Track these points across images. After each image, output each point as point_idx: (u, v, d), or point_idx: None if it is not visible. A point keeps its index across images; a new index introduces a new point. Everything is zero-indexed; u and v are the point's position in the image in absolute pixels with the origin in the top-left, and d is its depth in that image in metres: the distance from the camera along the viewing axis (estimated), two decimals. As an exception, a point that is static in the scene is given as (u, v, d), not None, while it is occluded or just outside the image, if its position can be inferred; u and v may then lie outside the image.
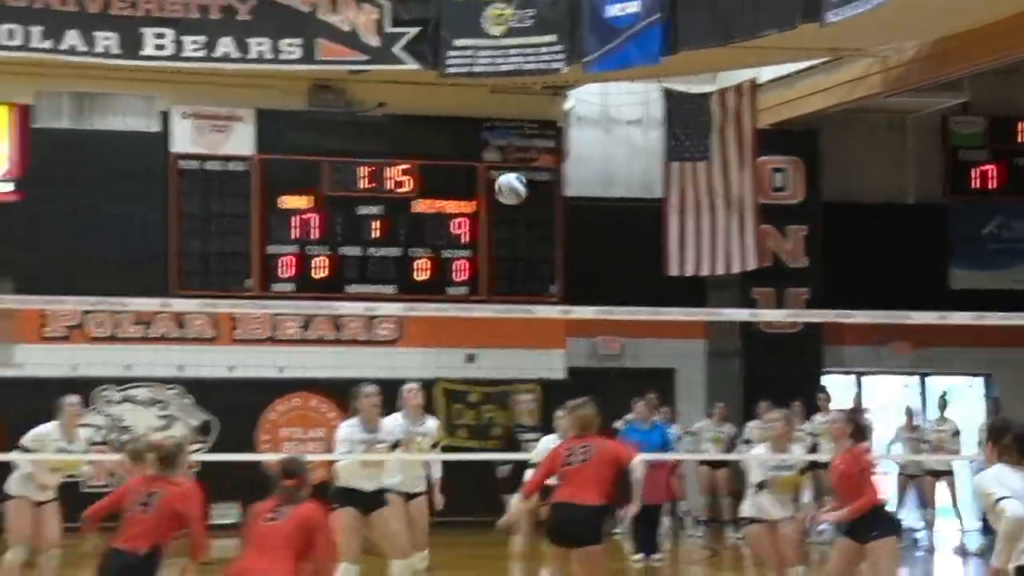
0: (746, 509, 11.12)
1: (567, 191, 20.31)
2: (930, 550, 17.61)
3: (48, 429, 11.72)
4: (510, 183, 10.78)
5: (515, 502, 9.23)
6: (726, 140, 19.04)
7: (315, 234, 19.42)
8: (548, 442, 12.25)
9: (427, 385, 19.36)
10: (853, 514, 9.77)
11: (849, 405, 18.60)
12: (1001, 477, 6.88)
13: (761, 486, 10.93)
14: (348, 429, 11.10)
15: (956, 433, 17.80)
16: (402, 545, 11.32)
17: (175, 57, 17.90)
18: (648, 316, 12.79)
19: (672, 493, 17.04)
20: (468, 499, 15.02)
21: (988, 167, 21.25)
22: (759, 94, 18.95)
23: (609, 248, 20.01)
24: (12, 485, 11.66)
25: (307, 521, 7.87)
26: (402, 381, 19.19)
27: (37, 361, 18.11)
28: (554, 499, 8.94)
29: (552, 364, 19.77)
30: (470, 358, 19.72)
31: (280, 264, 19.27)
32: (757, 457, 11.10)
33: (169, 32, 17.87)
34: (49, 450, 11.47)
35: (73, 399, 11.74)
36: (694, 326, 19.75)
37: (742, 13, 15.59)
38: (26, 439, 11.97)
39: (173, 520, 8.40)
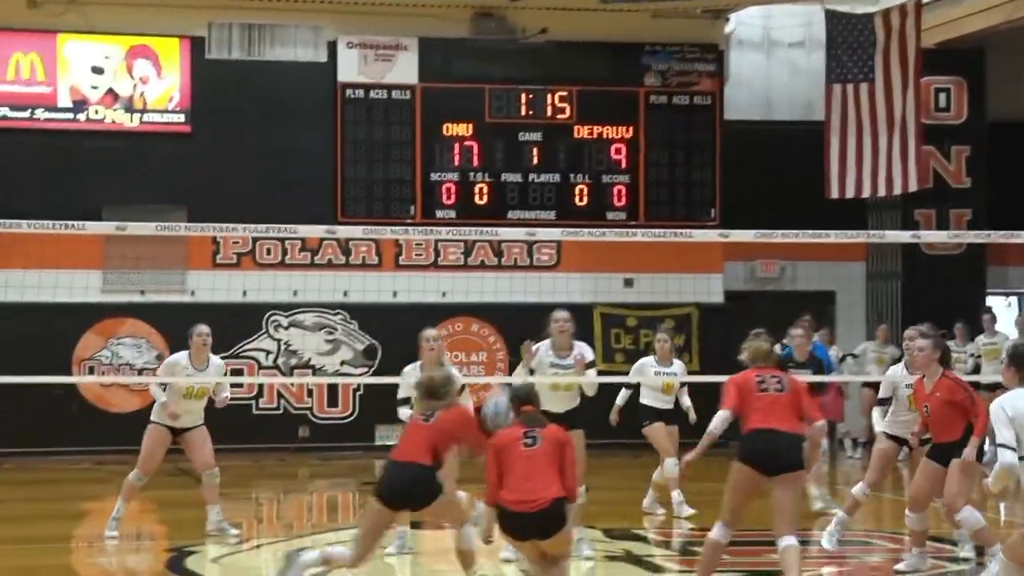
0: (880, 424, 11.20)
1: (727, 115, 20.29)
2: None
3: (177, 358, 11.88)
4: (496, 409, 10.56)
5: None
6: (889, 61, 18.82)
7: (476, 161, 19.72)
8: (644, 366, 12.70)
9: (585, 310, 19.75)
10: (977, 437, 9.76)
11: (1012, 326, 18.38)
12: (1016, 403, 7.55)
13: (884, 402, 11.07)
14: (541, 351, 11.38)
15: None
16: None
17: (340, -12, 18.23)
18: (808, 239, 12.73)
19: (832, 414, 17.09)
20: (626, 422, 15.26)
21: None
22: (924, 12, 18.67)
23: (768, 172, 19.98)
24: (152, 412, 11.98)
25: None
26: (561, 306, 19.61)
27: (209, 287, 18.75)
28: (754, 425, 8.96)
29: (710, 288, 19.90)
30: (628, 283, 19.91)
31: (442, 191, 19.62)
32: (896, 377, 11.12)
33: (338, -36, 18.20)
34: (179, 377, 11.74)
35: (203, 328, 11.88)
36: (854, 248, 19.67)
37: (905, -69, 15.38)
38: (160, 369, 12.27)
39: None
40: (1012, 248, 19.16)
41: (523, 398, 8.32)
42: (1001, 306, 20.28)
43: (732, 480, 8.76)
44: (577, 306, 19.58)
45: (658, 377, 13.36)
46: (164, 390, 11.84)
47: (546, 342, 11.59)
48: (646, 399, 13.48)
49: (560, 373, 10.89)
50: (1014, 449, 7.49)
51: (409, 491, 8.62)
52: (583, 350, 11.11)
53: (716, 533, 8.80)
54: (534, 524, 7.80)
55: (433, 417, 8.77)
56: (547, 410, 10.64)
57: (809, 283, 20.41)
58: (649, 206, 19.86)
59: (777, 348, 15.94)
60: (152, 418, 11.89)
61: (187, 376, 11.70)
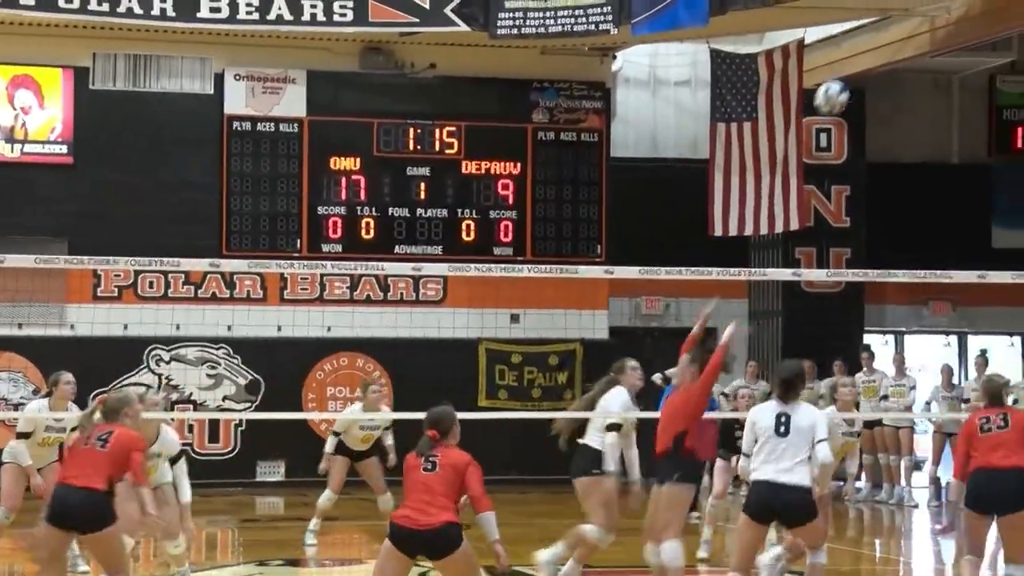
0: None
1: (614, 152, 20.48)
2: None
3: (37, 406, 11.63)
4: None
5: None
6: (772, 100, 19.11)
7: (363, 195, 19.70)
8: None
9: (470, 345, 19.77)
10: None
11: (890, 364, 18.72)
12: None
13: None
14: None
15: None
16: None
17: (230, 19, 18.13)
18: (691, 276, 12.91)
19: (711, 452, 17.22)
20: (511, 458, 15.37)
21: (1034, 126, 21.25)
22: (806, 54, 19.00)
23: (654, 209, 20.20)
24: (4, 453, 11.76)
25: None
26: (448, 341, 19.72)
27: (89, 320, 18.44)
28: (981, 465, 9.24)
29: (595, 324, 20.03)
30: (514, 318, 19.98)
31: (328, 225, 19.56)
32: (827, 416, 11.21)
33: (224, -5, 18.11)
34: (39, 428, 11.55)
35: (69, 377, 11.54)
36: (736, 286, 19.90)
37: (791, -28, 15.63)
38: (20, 420, 11.93)
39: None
40: (889, 287, 19.54)
41: (429, 423, 8.33)
42: (879, 344, 20.63)
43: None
44: (462, 342, 19.74)
45: None
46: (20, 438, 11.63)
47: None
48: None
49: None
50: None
51: (76, 514, 8.60)
52: None
53: None
54: (420, 542, 8.03)
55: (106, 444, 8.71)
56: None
57: (692, 319, 20.46)
58: (536, 242, 19.96)
59: (658, 379, 16.13)
60: (4, 458, 11.72)
61: (46, 424, 11.50)
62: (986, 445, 9.16)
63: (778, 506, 9.02)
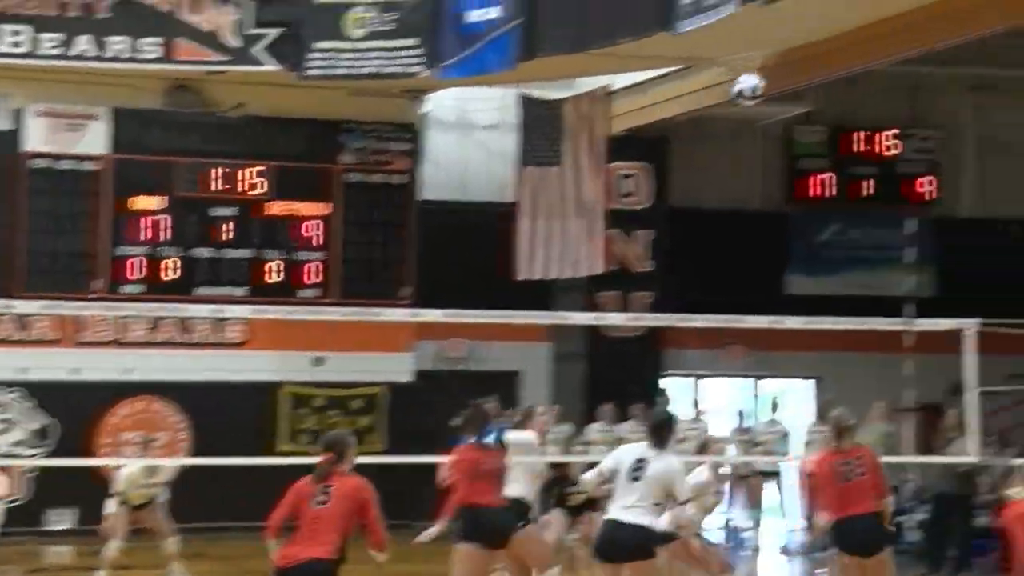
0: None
1: (423, 194, 20.51)
2: (756, 549, 18.10)
3: None
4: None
5: None
6: (579, 146, 19.35)
7: (165, 236, 19.39)
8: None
9: (272, 388, 19.56)
10: None
11: (687, 408, 19.06)
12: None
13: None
14: None
15: (786, 435, 18.34)
16: None
17: (31, 55, 17.76)
18: (494, 319, 13.03)
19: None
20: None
21: (827, 175, 21.85)
22: (612, 101, 19.30)
23: (460, 251, 20.25)
24: None
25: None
26: (249, 384, 19.48)
27: None
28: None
29: (400, 367, 19.98)
30: (318, 361, 19.84)
31: (129, 266, 19.20)
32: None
33: (26, 29, 17.74)
34: None
35: None
36: (540, 329, 20.06)
37: (598, 21, 15.88)
38: None
39: None
40: (688, 332, 19.85)
41: (325, 445, 8.32)
42: (677, 387, 20.98)
43: None
44: (263, 385, 19.51)
45: None
46: None
47: None
48: None
49: None
50: None
51: None
52: None
53: None
54: None
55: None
56: None
57: (496, 363, 20.72)
58: (343, 284, 19.84)
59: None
60: None
61: None
62: (851, 491, 9.49)
63: (620, 544, 9.17)
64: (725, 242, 21.26)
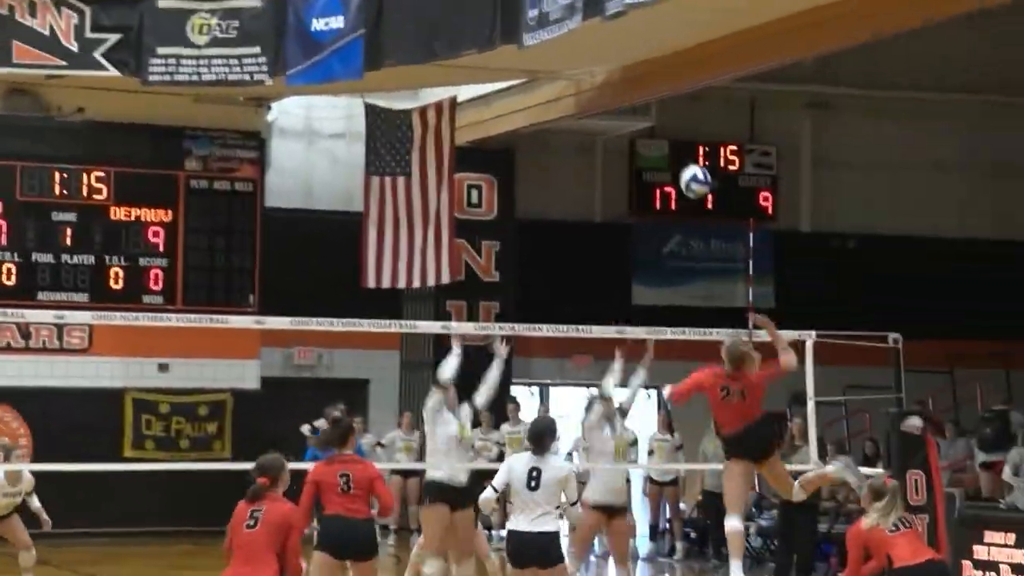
0: None
1: (268, 202, 20.43)
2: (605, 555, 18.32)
3: None
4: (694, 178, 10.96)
5: None
6: (425, 156, 19.43)
7: (4, 240, 19.04)
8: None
9: (116, 395, 19.32)
10: None
11: (534, 415, 19.22)
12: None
13: None
14: None
15: (633, 443, 18.56)
16: None
17: None
18: (343, 327, 13.02)
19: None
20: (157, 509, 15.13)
21: (670, 188, 22.20)
22: (458, 112, 19.41)
23: (307, 259, 20.21)
24: None
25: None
26: (93, 390, 19.20)
27: None
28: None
29: (245, 374, 19.88)
30: (163, 367, 19.65)
31: (-33, 270, 18.83)
32: None
33: None
34: None
35: None
36: (389, 337, 20.09)
37: (444, 31, 15.96)
38: None
39: None
40: (536, 341, 20.02)
41: (259, 470, 8.33)
42: (525, 396, 21.16)
43: None
44: (107, 391, 19.27)
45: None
46: None
47: None
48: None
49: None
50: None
51: None
52: None
53: None
54: None
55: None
56: None
57: (345, 371, 20.70)
58: (187, 290, 19.68)
59: (305, 430, 16.12)
60: None
61: None
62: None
63: (533, 553, 9.47)
64: (571, 253, 21.53)
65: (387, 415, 20.57)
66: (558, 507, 9.62)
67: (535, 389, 21.99)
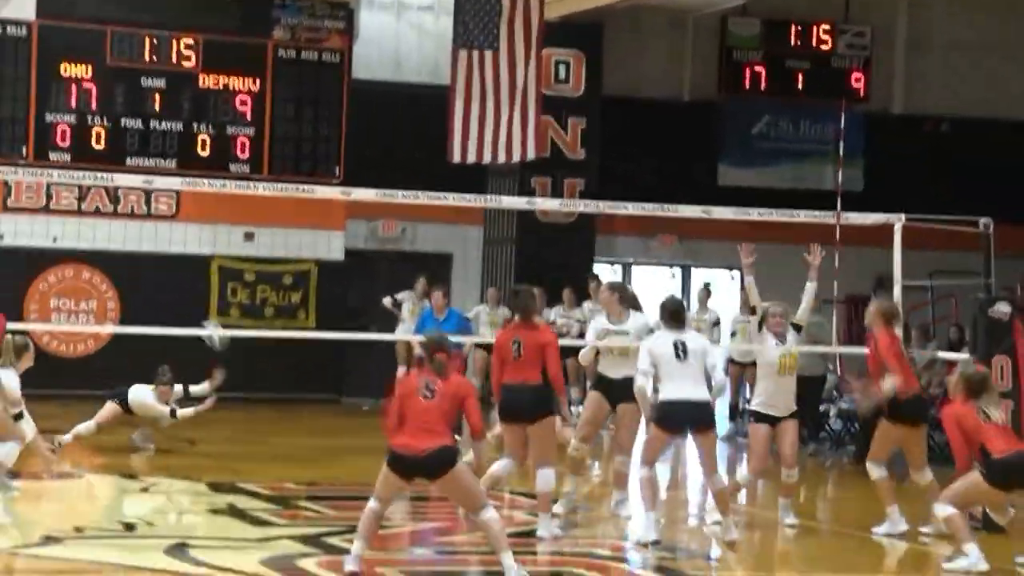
0: None
1: (356, 73, 20.37)
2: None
3: None
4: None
5: None
6: (513, 30, 19.24)
7: (94, 104, 19.15)
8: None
9: (202, 262, 19.55)
10: None
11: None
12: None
13: None
14: (598, 318, 11.42)
15: (716, 323, 18.54)
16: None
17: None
18: (428, 200, 12.99)
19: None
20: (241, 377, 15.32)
21: (760, 68, 21.91)
22: (549, -15, 19.19)
23: (393, 132, 20.20)
24: None
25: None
26: (179, 256, 19.46)
27: None
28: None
29: (331, 245, 20.00)
30: (248, 236, 19.80)
31: (57, 132, 18.98)
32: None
33: None
34: None
35: None
36: (473, 212, 20.09)
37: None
38: None
39: None
40: (620, 219, 19.99)
41: (436, 345, 8.61)
42: (608, 273, 21.13)
43: None
44: (194, 258, 19.49)
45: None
46: None
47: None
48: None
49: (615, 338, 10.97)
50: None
51: None
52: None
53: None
54: (419, 467, 8.38)
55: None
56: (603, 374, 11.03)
57: (428, 244, 20.78)
58: (273, 160, 19.75)
59: (387, 303, 16.14)
60: None
61: None
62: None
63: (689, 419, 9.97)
64: (657, 131, 21.32)
65: (470, 289, 20.64)
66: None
67: (618, 267, 21.95)
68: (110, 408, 13.75)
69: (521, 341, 10.15)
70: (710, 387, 10.04)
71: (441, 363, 8.54)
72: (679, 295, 19.87)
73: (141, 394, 13.77)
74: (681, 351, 9.90)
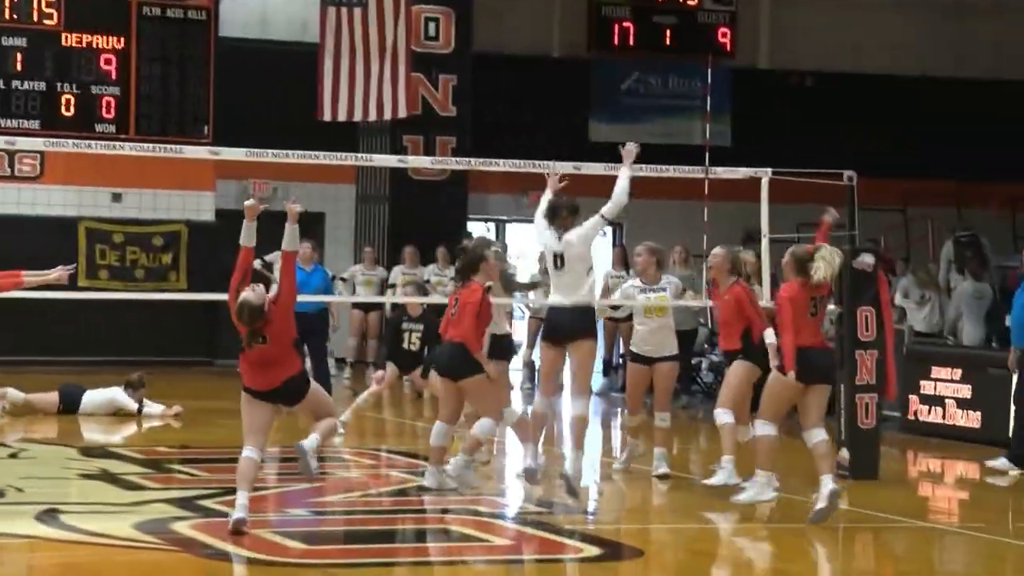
0: None
1: (222, 31, 20.13)
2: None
3: None
4: None
5: None
6: (382, -13, 19.17)
7: (-48, 64, 18.77)
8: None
9: (69, 224, 19.23)
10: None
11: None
12: None
13: None
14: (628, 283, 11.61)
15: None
16: None
17: None
18: (298, 160, 12.92)
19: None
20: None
21: (628, 24, 22.04)
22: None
23: (262, 90, 20.01)
24: None
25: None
26: (45, 219, 19.11)
27: None
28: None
29: (200, 205, 19.79)
30: (116, 197, 19.53)
31: (-87, 95, 18.57)
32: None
33: None
34: None
35: None
36: (344, 171, 19.99)
37: None
38: None
39: None
40: (492, 176, 20.00)
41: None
42: (481, 231, 21.18)
43: None
44: (61, 220, 19.16)
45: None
46: None
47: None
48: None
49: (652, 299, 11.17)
50: None
51: None
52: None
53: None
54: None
55: None
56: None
57: (300, 204, 20.58)
58: (140, 120, 19.47)
59: (257, 264, 16.03)
60: None
61: None
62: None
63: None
64: (528, 88, 21.38)
65: (342, 249, 20.56)
66: None
67: (491, 225, 22.00)
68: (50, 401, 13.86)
69: (457, 299, 10.36)
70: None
71: (257, 332, 8.76)
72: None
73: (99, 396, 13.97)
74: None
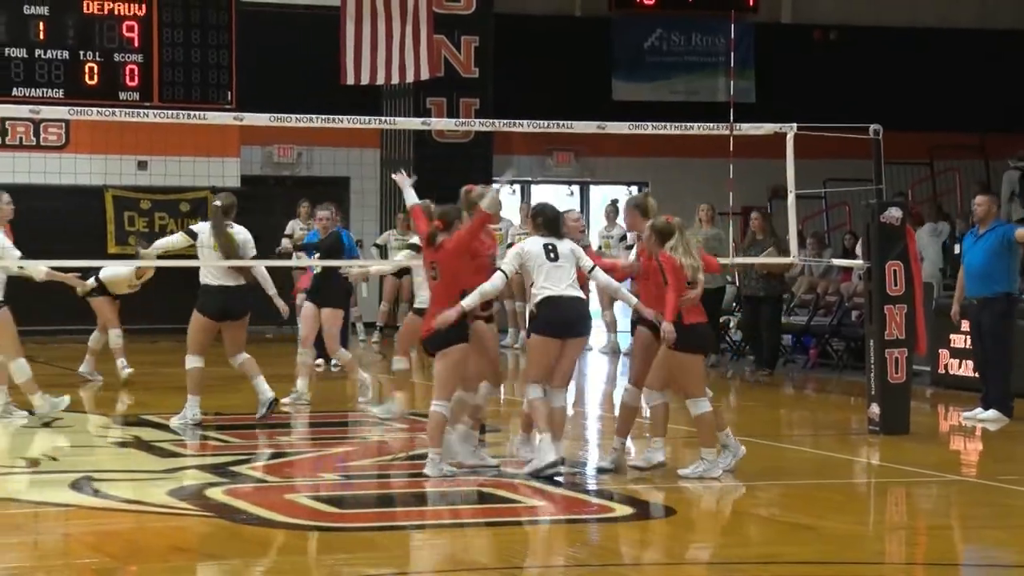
0: None
1: (242, -4, 20.14)
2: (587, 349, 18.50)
3: None
4: None
5: None
6: (403, -51, 19.10)
7: (-23, 34, 18.78)
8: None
9: (96, 192, 19.30)
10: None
11: (516, 213, 19.25)
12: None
13: None
14: None
15: (622, 238, 18.63)
16: None
17: None
18: (322, 124, 12.88)
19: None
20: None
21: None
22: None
23: (284, 55, 19.99)
24: None
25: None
26: (71, 187, 19.15)
27: None
28: None
29: (225, 171, 19.81)
30: (141, 165, 19.58)
31: (-61, 64, 18.60)
32: None
33: None
34: None
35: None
36: (368, 135, 20.00)
37: None
38: None
39: None
40: (516, 137, 20.00)
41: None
42: (506, 193, 21.14)
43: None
44: (88, 188, 19.23)
45: None
46: None
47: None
48: None
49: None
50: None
51: None
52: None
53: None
54: None
55: None
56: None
57: (325, 169, 20.66)
58: (163, 87, 19.48)
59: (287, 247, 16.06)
60: None
61: None
62: None
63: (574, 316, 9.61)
64: (550, 48, 21.32)
65: (368, 213, 20.58)
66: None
67: (516, 187, 21.99)
68: (99, 302, 14.03)
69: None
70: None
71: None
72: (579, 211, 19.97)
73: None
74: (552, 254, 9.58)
